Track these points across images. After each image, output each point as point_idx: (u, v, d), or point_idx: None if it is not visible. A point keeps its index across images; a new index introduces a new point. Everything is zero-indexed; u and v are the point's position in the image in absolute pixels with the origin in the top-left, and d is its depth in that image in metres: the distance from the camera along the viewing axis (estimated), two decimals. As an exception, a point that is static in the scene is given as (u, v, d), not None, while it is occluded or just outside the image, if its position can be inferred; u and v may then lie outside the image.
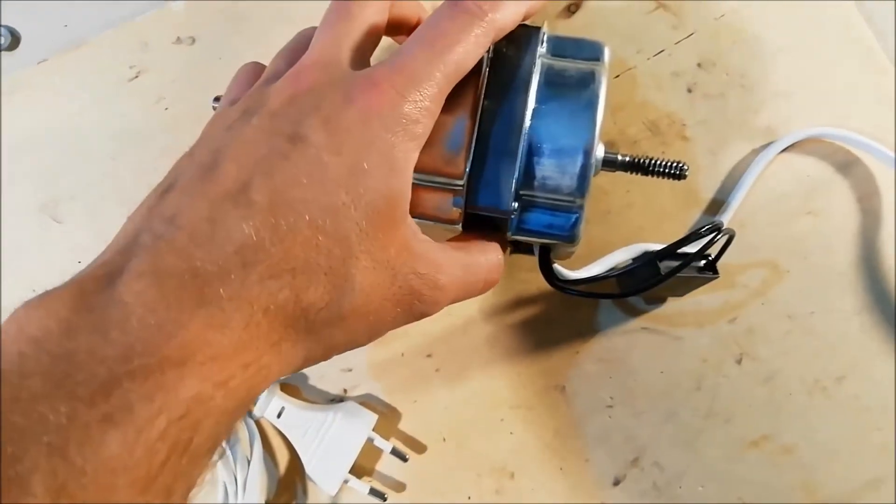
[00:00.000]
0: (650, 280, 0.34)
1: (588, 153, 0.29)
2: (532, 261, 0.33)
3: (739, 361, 0.38)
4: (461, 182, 0.29)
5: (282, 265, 0.22)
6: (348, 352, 0.36)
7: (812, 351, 0.38)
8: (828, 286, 0.38)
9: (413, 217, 0.27)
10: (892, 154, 0.37)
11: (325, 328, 0.23)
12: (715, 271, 0.35)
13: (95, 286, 0.21)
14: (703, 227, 0.33)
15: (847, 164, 0.39)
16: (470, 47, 0.25)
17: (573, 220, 0.30)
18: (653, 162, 0.32)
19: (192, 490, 0.21)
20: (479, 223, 0.30)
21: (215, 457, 0.22)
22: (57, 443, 0.18)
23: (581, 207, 0.30)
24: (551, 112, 0.29)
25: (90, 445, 0.18)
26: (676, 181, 0.33)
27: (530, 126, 0.29)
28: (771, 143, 0.39)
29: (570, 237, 0.30)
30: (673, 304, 0.38)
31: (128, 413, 0.19)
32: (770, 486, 0.37)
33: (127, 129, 0.40)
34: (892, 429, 0.37)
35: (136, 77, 0.40)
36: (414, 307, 0.26)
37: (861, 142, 0.38)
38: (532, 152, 0.29)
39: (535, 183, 0.29)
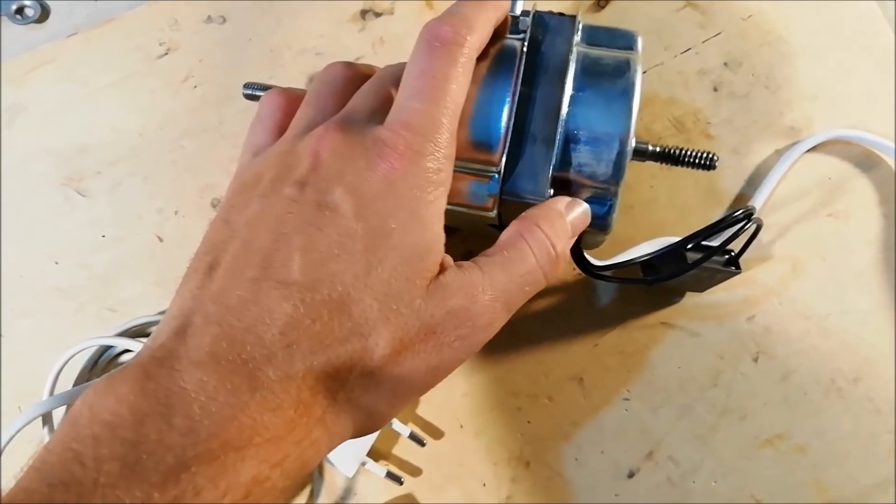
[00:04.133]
0: (676, 268, 0.34)
1: (624, 141, 0.29)
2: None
3: (756, 359, 0.38)
4: (497, 168, 0.29)
5: (321, 339, 0.23)
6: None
7: (828, 351, 0.38)
8: (845, 287, 0.39)
9: (448, 205, 0.27)
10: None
11: (364, 395, 0.24)
12: (738, 266, 0.35)
13: (157, 371, 0.21)
14: (736, 211, 0.33)
15: (869, 167, 0.39)
16: (461, 78, 0.26)
17: (607, 207, 0.30)
18: (683, 152, 0.32)
19: None
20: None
21: None
22: None
23: (615, 195, 0.30)
24: (588, 99, 0.29)
25: None
26: (705, 171, 0.33)
27: (567, 113, 0.29)
28: (796, 143, 0.39)
29: (604, 224, 0.30)
30: (692, 301, 0.39)
31: (196, 496, 0.20)
32: (782, 484, 0.37)
33: (153, 106, 0.40)
34: (903, 430, 0.38)
35: (166, 54, 0.40)
36: (455, 345, 0.25)
37: (882, 144, 0.39)
38: (569, 139, 0.29)
39: (571, 170, 0.29)
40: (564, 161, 0.29)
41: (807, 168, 0.39)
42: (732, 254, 0.35)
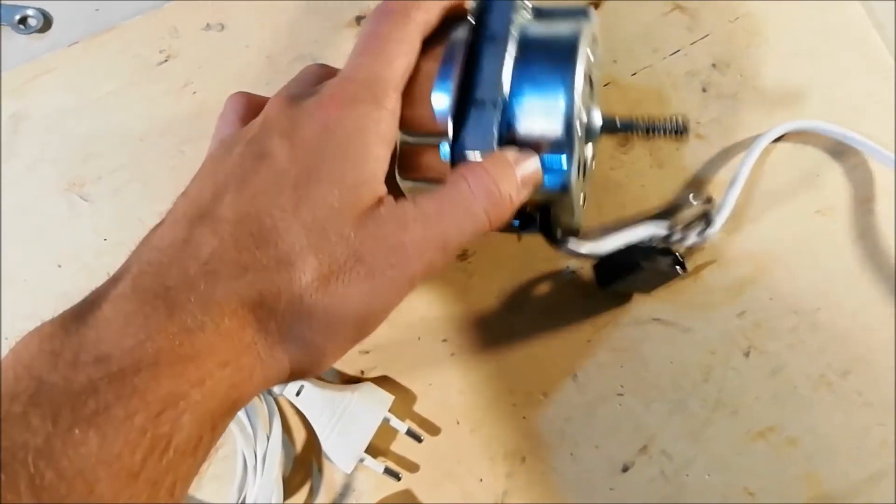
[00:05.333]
0: (622, 271, 0.35)
1: (568, 88, 0.29)
2: (546, 249, 0.34)
3: (747, 354, 0.39)
4: (446, 134, 0.29)
5: (244, 267, 0.24)
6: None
7: (817, 346, 0.39)
8: (834, 282, 0.39)
9: (406, 181, 0.29)
10: (891, 154, 0.39)
11: (295, 325, 0.25)
12: (684, 268, 0.36)
13: (84, 308, 0.24)
14: (693, 199, 0.34)
15: (856, 165, 0.40)
16: (405, 41, 0.28)
17: (560, 163, 0.30)
18: (651, 122, 0.33)
19: (183, 486, 0.23)
20: None
21: (208, 458, 0.24)
22: (41, 445, 0.20)
23: (569, 153, 0.30)
24: (532, 60, 0.30)
25: (71, 445, 0.20)
26: (679, 139, 0.33)
27: (514, 75, 0.30)
28: (758, 135, 0.40)
29: (561, 184, 0.30)
30: (683, 298, 0.39)
31: (105, 413, 0.21)
32: (774, 477, 0.38)
33: (154, 112, 0.41)
34: (893, 425, 0.38)
35: (165, 61, 0.41)
36: (388, 275, 0.26)
37: (853, 137, 0.39)
38: (514, 98, 0.29)
39: (521, 129, 0.30)
40: (513, 121, 0.29)
41: (794, 166, 0.40)
42: (679, 256, 0.36)
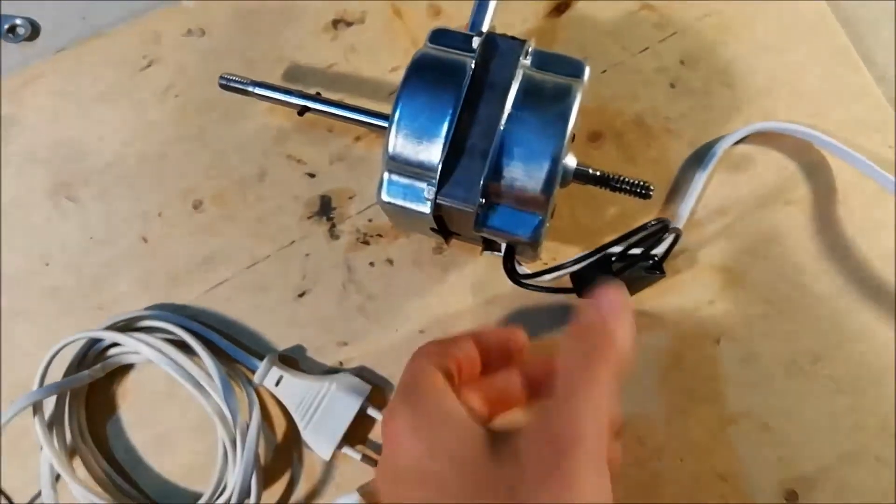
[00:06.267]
0: (602, 277, 0.36)
1: (556, 160, 0.31)
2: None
3: (718, 342, 0.40)
4: (434, 175, 0.31)
5: None
6: (344, 325, 0.39)
7: (788, 333, 0.40)
8: (803, 271, 0.40)
9: (391, 203, 0.32)
10: (852, 151, 0.40)
11: None
12: (661, 271, 0.37)
13: None
14: (651, 222, 0.35)
15: (821, 159, 0.41)
16: None
17: (536, 222, 0.32)
18: (621, 180, 0.35)
19: None
20: None
21: None
22: None
23: (545, 211, 0.32)
24: (525, 119, 0.32)
25: None
26: (641, 199, 0.35)
27: (504, 129, 0.32)
28: (721, 137, 0.41)
29: (533, 238, 0.32)
30: (654, 288, 0.40)
31: None
32: (747, 462, 0.38)
33: (137, 116, 0.42)
34: (863, 409, 0.39)
35: (149, 66, 0.43)
36: None
37: (816, 136, 0.40)
38: (503, 154, 0.31)
39: (504, 183, 0.32)
40: (497, 174, 0.31)
41: (764, 158, 0.41)
42: (657, 258, 0.37)
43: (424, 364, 0.29)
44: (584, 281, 0.37)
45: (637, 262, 0.36)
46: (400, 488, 0.27)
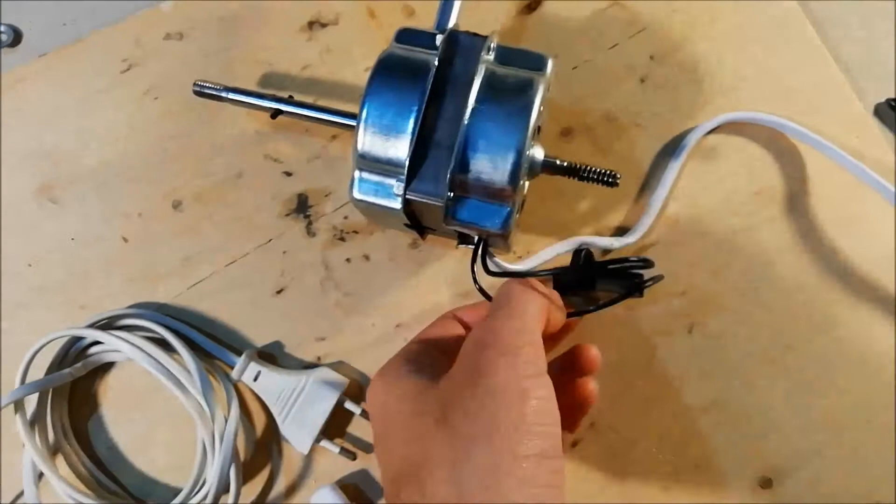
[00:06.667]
0: (579, 288, 0.38)
1: (520, 152, 0.32)
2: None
3: (690, 331, 0.40)
4: (403, 168, 0.32)
5: None
6: (322, 320, 0.39)
7: (759, 323, 0.40)
8: (773, 261, 0.41)
9: (359, 200, 0.33)
10: (821, 138, 0.40)
11: None
12: (640, 294, 0.37)
13: None
14: (634, 261, 0.36)
15: (789, 148, 0.42)
16: None
17: (504, 213, 0.33)
18: (588, 169, 0.36)
19: None
20: None
21: None
22: None
23: (512, 202, 0.33)
24: (489, 112, 0.32)
25: None
26: (609, 188, 0.36)
27: (468, 123, 0.32)
28: (692, 128, 0.42)
29: (502, 229, 0.33)
30: (628, 279, 0.41)
31: None
32: (721, 451, 0.39)
33: (118, 118, 0.43)
34: (833, 398, 0.39)
35: (128, 70, 0.43)
36: None
37: (786, 125, 0.41)
38: (468, 147, 0.32)
39: (471, 176, 0.32)
40: (464, 167, 0.32)
41: (733, 150, 0.42)
42: (641, 279, 0.37)
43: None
44: (563, 285, 0.38)
45: (624, 298, 0.36)
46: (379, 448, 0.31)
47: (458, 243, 0.39)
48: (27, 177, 0.42)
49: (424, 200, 0.33)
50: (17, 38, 0.45)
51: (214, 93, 0.40)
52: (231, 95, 0.39)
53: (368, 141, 0.33)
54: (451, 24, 0.35)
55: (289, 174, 0.42)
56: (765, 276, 0.41)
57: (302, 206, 0.42)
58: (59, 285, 0.41)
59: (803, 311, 0.40)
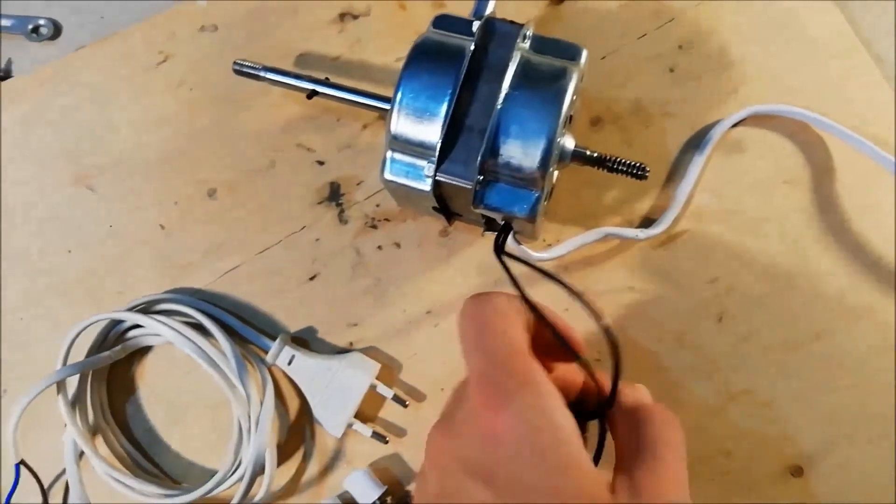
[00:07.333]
0: None
1: (551, 138, 0.32)
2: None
3: (720, 320, 0.40)
4: (434, 150, 0.33)
5: None
6: (354, 306, 0.40)
7: (789, 311, 0.40)
8: (803, 249, 0.41)
9: (393, 181, 0.33)
10: (847, 130, 0.40)
11: None
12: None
13: None
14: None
15: (817, 139, 0.42)
16: None
17: (532, 199, 0.33)
18: (617, 161, 0.36)
19: None
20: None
21: None
22: None
23: (541, 188, 0.33)
24: (522, 98, 0.33)
25: None
26: (637, 180, 0.36)
27: (501, 108, 0.33)
28: (718, 121, 0.42)
29: (529, 214, 0.34)
30: (657, 266, 0.41)
31: None
32: (749, 438, 0.39)
33: (153, 109, 0.44)
34: (862, 386, 0.39)
35: (164, 62, 0.44)
36: None
37: (813, 117, 0.41)
38: (500, 132, 0.33)
39: (501, 160, 0.33)
40: (495, 152, 0.33)
41: (762, 139, 0.42)
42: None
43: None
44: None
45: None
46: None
47: (485, 230, 0.39)
48: (65, 165, 0.44)
49: (454, 182, 0.33)
50: (56, 31, 0.46)
51: (253, 72, 0.40)
52: (269, 75, 0.40)
53: (402, 122, 0.33)
54: (487, 12, 0.36)
55: (321, 163, 0.43)
56: (794, 264, 0.41)
57: (334, 195, 0.43)
58: (97, 271, 0.42)
59: (833, 299, 0.40)
